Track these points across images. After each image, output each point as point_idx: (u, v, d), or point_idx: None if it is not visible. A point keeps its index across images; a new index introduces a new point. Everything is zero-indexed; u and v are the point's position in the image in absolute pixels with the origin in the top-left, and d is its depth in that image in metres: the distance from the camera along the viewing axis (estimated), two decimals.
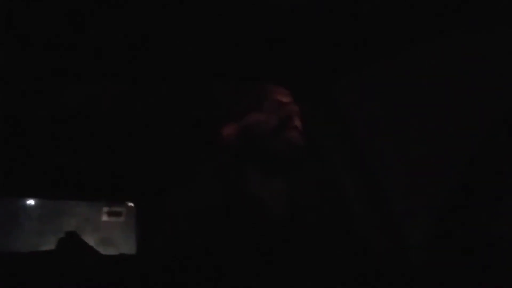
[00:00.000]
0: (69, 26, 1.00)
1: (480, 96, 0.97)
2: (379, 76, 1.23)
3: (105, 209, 2.85)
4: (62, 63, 1.18)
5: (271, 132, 0.87)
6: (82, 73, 1.25)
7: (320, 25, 1.06)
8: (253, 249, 0.77)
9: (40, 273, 1.97)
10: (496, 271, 0.85)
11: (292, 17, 1.02)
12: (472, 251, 0.91)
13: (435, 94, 1.07)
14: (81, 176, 2.01)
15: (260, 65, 1.23)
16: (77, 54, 1.14)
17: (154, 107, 1.49)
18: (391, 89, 1.21)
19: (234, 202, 0.86)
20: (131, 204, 2.54)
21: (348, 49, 1.17)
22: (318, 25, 1.06)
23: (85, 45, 1.10)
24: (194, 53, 1.17)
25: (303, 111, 1.29)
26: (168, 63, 1.22)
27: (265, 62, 1.22)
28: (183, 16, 1.00)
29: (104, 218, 2.85)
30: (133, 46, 1.12)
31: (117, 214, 2.82)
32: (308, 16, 1.02)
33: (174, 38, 1.09)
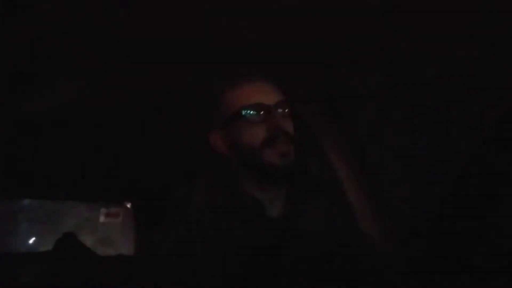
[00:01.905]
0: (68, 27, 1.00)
1: (478, 94, 0.97)
2: (378, 75, 1.23)
3: (103, 210, 2.83)
4: (61, 63, 1.18)
5: (260, 145, 0.82)
6: (80, 72, 1.24)
7: (320, 25, 1.06)
8: (250, 253, 0.77)
9: (38, 273, 1.96)
10: (494, 269, 0.85)
11: (291, 17, 1.02)
12: (470, 250, 0.91)
13: (433, 93, 1.06)
14: (79, 177, 2.01)
15: (260, 65, 1.22)
16: (75, 54, 1.14)
17: (152, 108, 1.48)
18: (389, 88, 1.21)
19: (231, 205, 0.86)
20: (129, 205, 2.53)
21: (348, 50, 1.17)
22: (318, 25, 1.06)
23: (83, 44, 1.09)
24: (195, 52, 1.17)
25: (303, 111, 1.29)
26: (168, 62, 1.21)
27: (265, 62, 1.21)
28: (185, 14, 1.00)
29: (102, 219, 2.84)
30: (134, 45, 1.12)
31: (115, 215, 2.80)
32: (307, 16, 1.02)
33: (174, 36, 1.08)
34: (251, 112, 0.84)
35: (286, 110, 0.88)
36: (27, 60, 1.14)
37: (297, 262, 0.78)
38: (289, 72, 1.24)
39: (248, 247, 0.78)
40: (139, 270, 0.81)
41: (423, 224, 1.07)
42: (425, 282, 0.96)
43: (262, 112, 0.84)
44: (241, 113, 0.85)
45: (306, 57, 1.22)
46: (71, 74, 1.24)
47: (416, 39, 1.07)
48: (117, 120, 1.56)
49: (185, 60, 1.21)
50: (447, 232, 0.97)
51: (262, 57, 1.18)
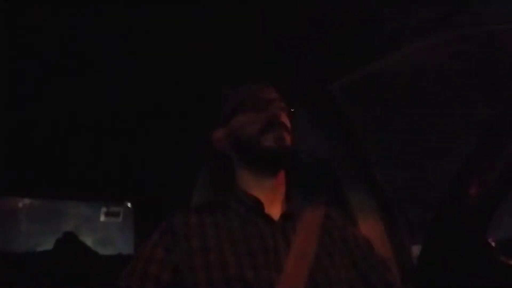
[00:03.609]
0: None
1: (476, 95, 0.97)
2: (377, 75, 1.23)
3: (103, 209, 2.83)
4: (62, 64, 1.18)
5: (257, 132, 0.86)
6: (81, 73, 1.24)
7: (319, 26, 1.06)
8: (249, 252, 0.77)
9: (38, 273, 1.96)
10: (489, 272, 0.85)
11: (291, 19, 1.02)
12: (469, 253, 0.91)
13: (432, 93, 1.07)
14: (80, 176, 2.01)
15: (261, 67, 1.23)
16: (78, 54, 1.14)
17: (152, 108, 1.48)
18: (388, 88, 1.21)
19: (231, 204, 0.86)
20: (129, 204, 2.53)
21: (346, 50, 1.17)
22: (317, 26, 1.06)
23: (84, 45, 1.09)
24: (196, 54, 1.17)
25: (303, 111, 1.29)
26: (169, 63, 1.21)
27: (266, 63, 1.21)
28: (187, 18, 1.00)
29: (102, 218, 2.84)
30: (135, 46, 1.12)
31: (115, 214, 2.80)
32: (307, 17, 1.02)
33: (175, 38, 1.09)
34: (251, 104, 0.90)
35: (283, 106, 0.92)
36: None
37: (293, 262, 0.78)
38: (290, 74, 1.24)
39: (247, 246, 0.78)
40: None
41: (422, 222, 1.07)
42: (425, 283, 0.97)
43: (260, 104, 0.90)
44: (242, 106, 0.90)
45: (307, 59, 1.22)
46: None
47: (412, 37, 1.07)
48: (118, 120, 1.56)
49: (189, 63, 1.21)
50: (446, 234, 0.97)
51: (263, 60, 1.19)
